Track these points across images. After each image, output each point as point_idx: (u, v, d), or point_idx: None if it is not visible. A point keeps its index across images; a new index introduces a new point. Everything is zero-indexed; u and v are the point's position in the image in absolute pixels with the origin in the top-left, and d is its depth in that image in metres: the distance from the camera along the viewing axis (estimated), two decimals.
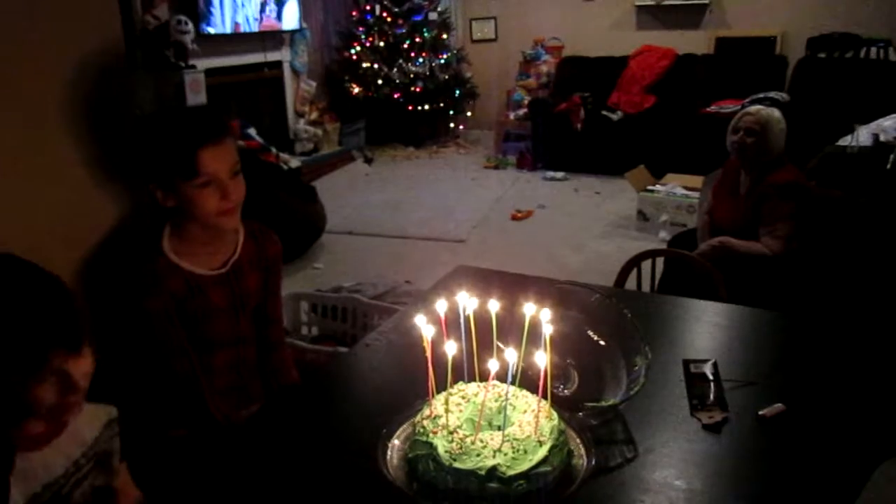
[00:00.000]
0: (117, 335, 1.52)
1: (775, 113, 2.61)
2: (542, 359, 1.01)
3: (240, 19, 5.23)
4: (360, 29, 6.79)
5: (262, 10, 5.45)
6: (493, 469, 0.98)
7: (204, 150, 1.39)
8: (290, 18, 5.81)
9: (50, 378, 0.92)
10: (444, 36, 6.96)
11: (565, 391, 1.31)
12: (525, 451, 1.00)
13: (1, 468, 0.99)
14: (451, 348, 1.04)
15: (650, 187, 4.74)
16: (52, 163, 1.91)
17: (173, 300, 1.47)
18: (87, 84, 1.90)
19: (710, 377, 1.38)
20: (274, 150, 5.00)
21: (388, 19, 6.72)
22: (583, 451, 1.08)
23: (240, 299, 1.57)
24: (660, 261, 2.47)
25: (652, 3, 6.55)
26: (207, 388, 1.53)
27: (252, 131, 4.98)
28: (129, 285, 1.45)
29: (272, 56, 5.88)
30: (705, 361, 1.43)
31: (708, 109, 5.66)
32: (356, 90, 6.79)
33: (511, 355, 1.02)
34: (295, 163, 5.25)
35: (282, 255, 1.69)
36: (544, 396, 1.07)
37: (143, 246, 1.49)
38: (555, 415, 1.08)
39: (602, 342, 1.35)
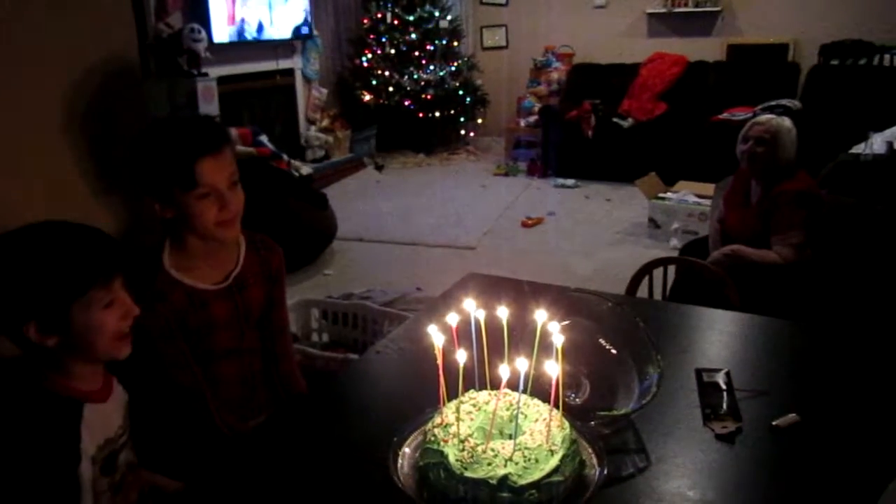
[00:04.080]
0: None
1: (786, 122, 2.59)
2: (553, 368, 1.01)
3: (252, 26, 5.26)
4: (372, 37, 6.82)
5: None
6: (505, 478, 0.97)
7: (202, 162, 1.38)
8: (302, 26, 5.84)
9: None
10: (455, 43, 6.98)
11: (577, 400, 1.30)
12: (536, 461, 0.99)
13: (72, 417, 1.14)
14: (461, 356, 1.03)
15: (661, 195, 4.72)
16: (63, 168, 1.92)
17: (175, 315, 1.46)
18: (101, 91, 1.92)
19: (723, 386, 1.36)
20: (285, 156, 5.02)
21: (400, 27, 6.74)
22: (595, 460, 1.08)
23: (243, 312, 1.56)
24: (671, 269, 2.45)
25: (663, 10, 6.54)
26: (213, 400, 1.52)
27: (264, 138, 5.01)
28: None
29: (284, 63, 5.92)
30: (718, 370, 1.42)
31: (720, 117, 5.64)
32: (367, 97, 6.82)
33: (522, 363, 1.01)
34: (306, 170, 5.28)
35: (285, 265, 1.68)
36: (556, 405, 1.06)
37: (143, 262, 1.47)
38: (566, 424, 1.07)
39: (614, 351, 1.34)
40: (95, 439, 1.18)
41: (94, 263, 1.14)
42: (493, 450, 1.00)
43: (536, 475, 0.98)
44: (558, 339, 1.04)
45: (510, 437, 1.05)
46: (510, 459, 0.99)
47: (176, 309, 1.46)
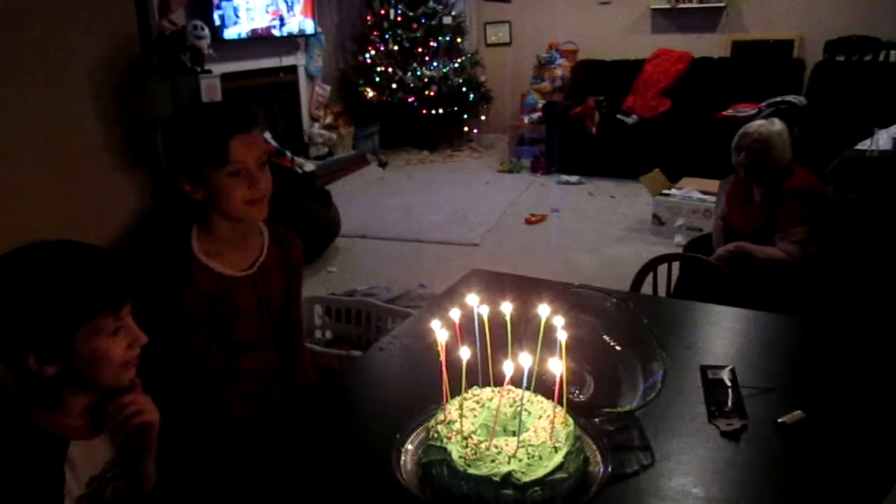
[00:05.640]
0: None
1: (775, 126, 2.57)
2: (557, 364, 1.00)
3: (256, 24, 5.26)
4: (375, 33, 6.81)
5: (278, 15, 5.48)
6: (508, 475, 0.97)
7: (234, 139, 1.41)
8: (306, 23, 5.83)
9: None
10: (459, 40, 6.96)
11: (581, 396, 1.29)
12: (540, 457, 0.98)
13: (55, 456, 1.07)
14: (465, 353, 1.03)
15: (665, 191, 4.70)
16: (66, 162, 1.92)
17: (203, 302, 1.48)
18: (104, 88, 1.92)
19: (728, 383, 1.36)
20: (289, 153, 5.02)
21: (403, 23, 6.73)
22: (599, 457, 1.07)
23: (265, 302, 1.57)
24: (675, 265, 2.44)
25: (668, 5, 6.52)
26: (231, 392, 1.53)
27: (267, 135, 5.00)
28: (160, 287, 1.45)
29: (287, 60, 5.91)
30: (723, 367, 1.41)
31: (724, 113, 5.61)
32: (370, 94, 6.82)
33: (526, 360, 1.01)
34: (309, 167, 5.27)
35: (303, 258, 1.70)
36: (560, 402, 1.06)
37: (172, 247, 1.49)
38: (570, 420, 1.07)
39: (618, 347, 1.34)
40: (80, 479, 1.11)
41: (103, 288, 1.07)
42: (496, 447, 1.00)
43: (540, 472, 0.97)
44: (562, 335, 1.04)
45: (514, 433, 1.04)
46: (514, 456, 0.98)
47: (204, 295, 1.48)
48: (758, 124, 2.61)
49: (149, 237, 1.62)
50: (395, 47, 6.75)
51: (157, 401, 1.28)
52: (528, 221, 4.99)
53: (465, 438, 1.01)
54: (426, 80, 6.72)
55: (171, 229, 1.54)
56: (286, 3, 5.53)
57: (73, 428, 1.12)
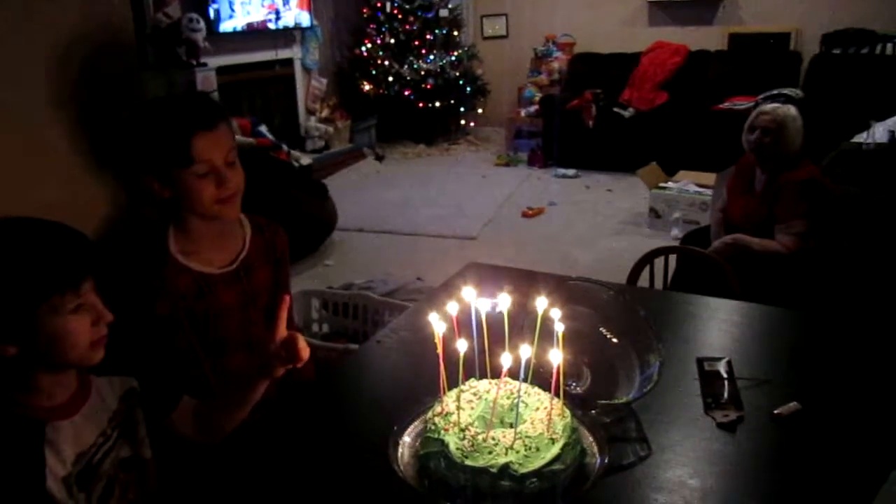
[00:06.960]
0: (123, 342, 1.49)
1: (791, 111, 2.58)
2: (555, 356, 1.00)
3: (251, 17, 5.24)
4: (372, 26, 6.79)
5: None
6: (506, 467, 0.97)
7: (197, 137, 1.35)
8: (302, 16, 5.81)
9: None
10: (456, 33, 6.94)
11: (578, 388, 1.30)
12: (537, 449, 0.99)
13: (32, 441, 1.05)
14: (462, 345, 1.03)
15: (662, 184, 4.71)
16: (56, 159, 1.91)
17: (183, 303, 1.44)
18: (98, 81, 1.91)
19: (725, 375, 1.36)
20: (285, 147, 5.01)
21: (399, 16, 6.71)
22: (596, 449, 1.07)
23: (251, 296, 1.54)
24: (672, 258, 2.45)
25: None
26: (219, 393, 1.52)
27: (263, 129, 4.99)
28: (136, 291, 1.41)
29: (283, 53, 5.89)
30: (719, 359, 1.42)
31: (721, 106, 5.61)
32: (367, 87, 6.80)
33: (524, 352, 1.01)
34: (306, 160, 5.26)
35: (288, 248, 1.66)
36: (557, 393, 1.06)
37: (148, 249, 1.45)
38: (567, 412, 1.07)
39: (615, 339, 1.34)
40: (65, 458, 1.09)
41: (61, 265, 1.04)
42: (493, 438, 1.00)
43: (537, 463, 0.98)
44: (559, 327, 1.04)
45: (511, 425, 1.04)
46: (511, 448, 0.98)
47: (184, 296, 1.44)
48: (774, 105, 2.64)
49: (125, 239, 1.57)
50: (392, 40, 6.73)
51: (150, 400, 1.28)
52: (525, 215, 4.99)
53: (463, 430, 1.01)
54: (423, 73, 6.70)
55: (147, 230, 1.50)
56: None
57: (49, 409, 1.10)
